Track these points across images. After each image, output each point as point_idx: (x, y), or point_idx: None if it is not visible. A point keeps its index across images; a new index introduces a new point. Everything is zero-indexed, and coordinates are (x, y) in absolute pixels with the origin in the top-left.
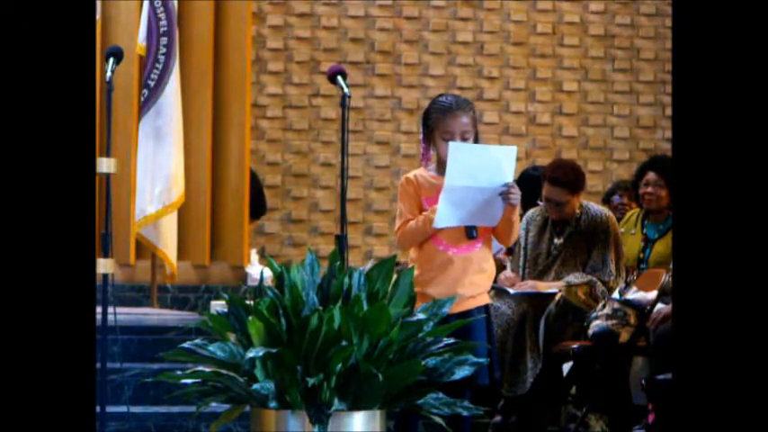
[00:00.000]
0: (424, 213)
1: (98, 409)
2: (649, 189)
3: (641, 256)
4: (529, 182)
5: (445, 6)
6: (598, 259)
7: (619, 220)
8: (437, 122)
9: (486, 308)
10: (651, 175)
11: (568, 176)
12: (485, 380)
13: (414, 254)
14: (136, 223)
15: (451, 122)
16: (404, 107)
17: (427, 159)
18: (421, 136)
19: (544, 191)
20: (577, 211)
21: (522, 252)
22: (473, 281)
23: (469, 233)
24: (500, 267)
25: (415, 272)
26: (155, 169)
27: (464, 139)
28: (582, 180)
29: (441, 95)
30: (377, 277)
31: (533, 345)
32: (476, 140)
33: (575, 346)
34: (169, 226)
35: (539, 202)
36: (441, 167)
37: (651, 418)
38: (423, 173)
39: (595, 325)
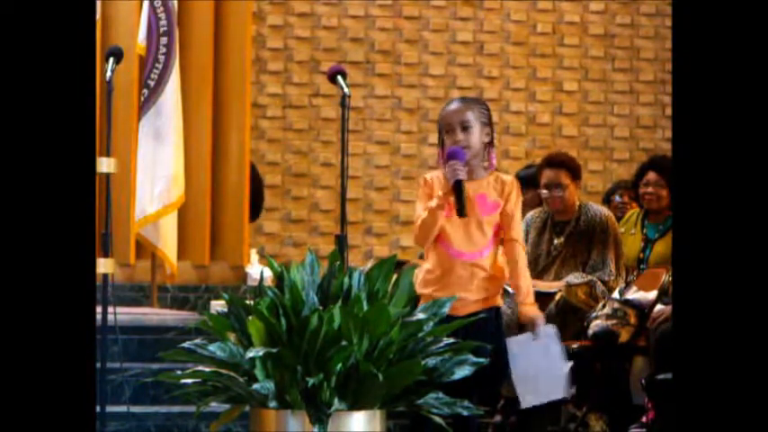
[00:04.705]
0: (429, 204)
1: (98, 409)
2: (650, 189)
3: (641, 255)
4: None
5: (445, 6)
6: (598, 259)
7: (619, 219)
8: (441, 121)
9: (497, 310)
10: (651, 175)
11: (563, 158)
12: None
13: (427, 257)
14: (136, 223)
15: (449, 115)
16: (404, 107)
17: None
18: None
19: (543, 179)
20: (577, 208)
21: None
22: (480, 285)
23: (459, 212)
24: None
25: (427, 275)
26: (155, 169)
27: (464, 129)
28: (577, 165)
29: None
30: (377, 277)
31: None
32: (490, 140)
33: (575, 346)
34: (169, 226)
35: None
36: None
37: (649, 416)
38: (439, 174)
39: (595, 325)
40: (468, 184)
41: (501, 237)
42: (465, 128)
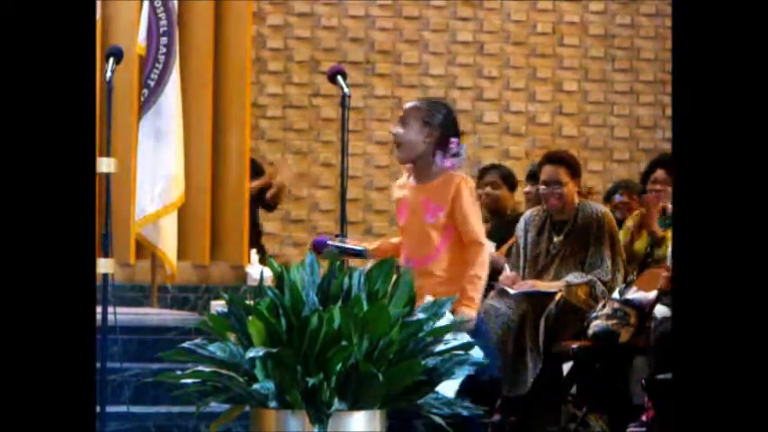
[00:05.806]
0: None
1: (98, 409)
2: (658, 187)
3: (648, 251)
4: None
5: (445, 6)
6: (595, 256)
7: (620, 219)
8: None
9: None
10: (660, 173)
11: (563, 155)
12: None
13: None
14: (136, 223)
15: None
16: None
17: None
18: None
19: (542, 175)
20: (576, 206)
21: (521, 252)
22: (433, 290)
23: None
24: (496, 271)
25: None
26: (155, 169)
27: (401, 123)
28: (576, 163)
29: None
30: (377, 277)
31: (533, 345)
32: (437, 141)
33: (575, 346)
34: (169, 226)
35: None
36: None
37: (648, 414)
38: (404, 180)
39: (595, 325)
40: (414, 187)
41: (464, 239)
42: (402, 123)
